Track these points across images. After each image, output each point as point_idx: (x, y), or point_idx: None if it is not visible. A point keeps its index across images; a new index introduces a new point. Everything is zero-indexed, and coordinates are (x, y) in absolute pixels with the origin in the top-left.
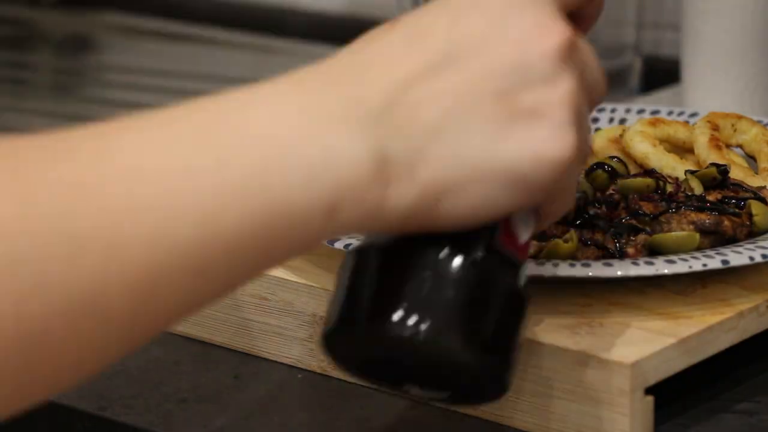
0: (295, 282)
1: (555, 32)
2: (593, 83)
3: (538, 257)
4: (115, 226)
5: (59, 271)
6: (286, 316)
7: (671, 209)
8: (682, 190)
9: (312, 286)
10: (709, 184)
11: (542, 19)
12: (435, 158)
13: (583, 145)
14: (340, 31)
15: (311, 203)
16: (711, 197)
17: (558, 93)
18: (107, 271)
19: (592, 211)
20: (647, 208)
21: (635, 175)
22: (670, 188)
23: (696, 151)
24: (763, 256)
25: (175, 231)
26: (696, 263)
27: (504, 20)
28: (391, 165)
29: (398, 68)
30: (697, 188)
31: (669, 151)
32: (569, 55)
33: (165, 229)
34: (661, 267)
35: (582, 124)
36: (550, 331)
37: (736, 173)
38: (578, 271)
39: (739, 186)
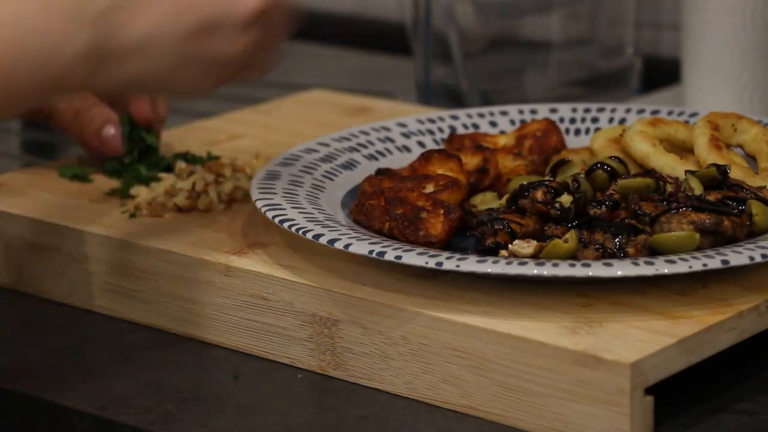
0: (295, 282)
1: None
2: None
3: (538, 257)
4: None
5: None
6: (286, 316)
7: (671, 209)
8: (682, 190)
9: (312, 286)
10: (709, 184)
11: None
12: (135, 62)
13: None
14: (341, 31)
15: (39, 75)
16: (711, 197)
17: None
18: None
19: (591, 212)
20: (647, 208)
21: (635, 175)
22: (670, 188)
23: (696, 151)
24: (763, 256)
25: None
26: (696, 263)
27: None
28: (107, 55)
29: None
30: (697, 188)
31: (669, 151)
32: (258, 20)
33: None
34: (661, 267)
35: (222, 73)
36: (550, 331)
37: (736, 173)
38: (578, 271)
39: (739, 186)
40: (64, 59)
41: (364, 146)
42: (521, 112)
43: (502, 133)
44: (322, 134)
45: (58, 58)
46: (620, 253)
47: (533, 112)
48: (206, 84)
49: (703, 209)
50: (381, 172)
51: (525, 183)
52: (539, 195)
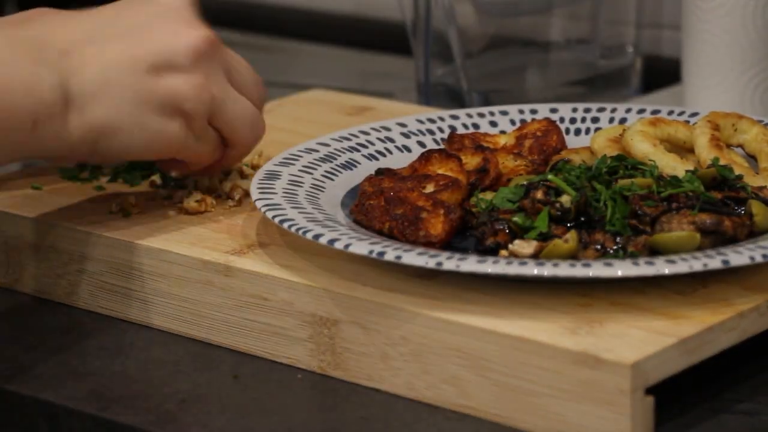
0: (295, 282)
1: (198, 34)
2: (244, 83)
3: (538, 257)
4: None
5: None
6: (286, 316)
7: (671, 209)
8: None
9: (312, 286)
10: (709, 184)
11: (191, 22)
12: (98, 104)
13: (203, 140)
14: (341, 31)
15: (22, 116)
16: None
17: (190, 82)
18: None
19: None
20: (648, 208)
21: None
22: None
23: (696, 151)
24: (764, 256)
25: None
26: (696, 263)
27: (162, 16)
28: (70, 97)
29: (78, 29)
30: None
31: (669, 151)
32: (209, 55)
33: None
34: (661, 267)
35: (198, 120)
36: (550, 331)
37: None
38: (578, 271)
39: (740, 186)
40: (42, 97)
41: (364, 146)
42: (521, 112)
43: (502, 133)
44: (322, 134)
45: (35, 95)
46: (621, 253)
47: (533, 112)
48: (179, 135)
49: (704, 209)
50: (381, 172)
51: (525, 183)
52: (539, 195)
